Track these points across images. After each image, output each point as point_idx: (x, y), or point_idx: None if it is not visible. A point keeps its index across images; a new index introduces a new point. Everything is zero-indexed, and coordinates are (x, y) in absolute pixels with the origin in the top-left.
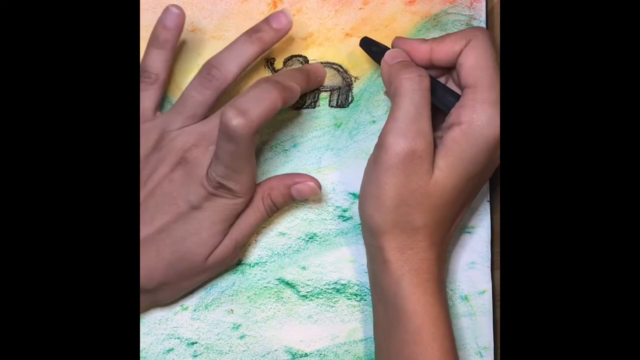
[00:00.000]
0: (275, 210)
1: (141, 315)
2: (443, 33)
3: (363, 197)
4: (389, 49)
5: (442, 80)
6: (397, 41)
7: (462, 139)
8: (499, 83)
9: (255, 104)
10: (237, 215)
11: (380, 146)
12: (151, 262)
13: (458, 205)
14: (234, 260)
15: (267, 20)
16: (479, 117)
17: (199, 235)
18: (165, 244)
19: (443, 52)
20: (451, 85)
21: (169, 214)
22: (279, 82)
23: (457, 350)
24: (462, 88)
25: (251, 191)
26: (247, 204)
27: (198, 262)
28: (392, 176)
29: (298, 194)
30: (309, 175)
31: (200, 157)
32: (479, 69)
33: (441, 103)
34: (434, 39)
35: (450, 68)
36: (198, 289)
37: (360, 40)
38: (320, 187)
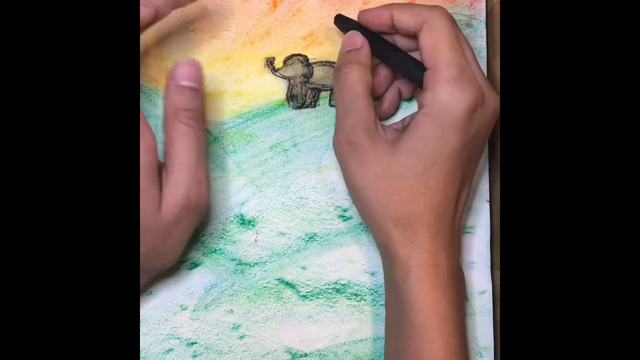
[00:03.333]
0: None
1: (141, 316)
2: None
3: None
4: (360, 25)
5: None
6: (361, 14)
7: (425, 120)
8: (462, 58)
9: None
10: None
11: None
12: None
13: (448, 188)
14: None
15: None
16: (440, 97)
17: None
18: None
19: (404, 22)
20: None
21: None
22: None
23: (467, 349)
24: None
25: None
26: None
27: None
28: (352, 168)
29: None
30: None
31: None
32: (437, 50)
33: (408, 75)
34: (397, 4)
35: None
36: (197, 289)
37: (335, 18)
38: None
